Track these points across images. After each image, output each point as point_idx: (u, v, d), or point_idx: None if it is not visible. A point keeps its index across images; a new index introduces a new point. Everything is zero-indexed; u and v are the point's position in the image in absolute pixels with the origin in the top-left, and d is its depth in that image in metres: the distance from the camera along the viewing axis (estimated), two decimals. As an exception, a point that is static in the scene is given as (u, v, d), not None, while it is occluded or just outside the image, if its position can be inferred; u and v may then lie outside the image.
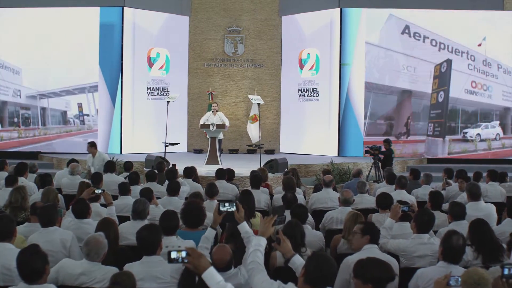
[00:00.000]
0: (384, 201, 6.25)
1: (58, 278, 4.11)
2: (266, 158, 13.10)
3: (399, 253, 4.89)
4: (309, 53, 16.44)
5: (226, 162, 12.70)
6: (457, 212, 5.57)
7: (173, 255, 3.11)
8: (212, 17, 17.12)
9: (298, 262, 3.87)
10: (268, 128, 17.12)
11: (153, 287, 3.99)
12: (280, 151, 17.00)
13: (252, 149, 15.85)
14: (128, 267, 4.06)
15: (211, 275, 3.12)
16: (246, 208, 5.73)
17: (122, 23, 15.51)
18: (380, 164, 12.15)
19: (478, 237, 4.68)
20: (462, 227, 5.12)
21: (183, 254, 3.11)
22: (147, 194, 6.36)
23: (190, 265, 3.14)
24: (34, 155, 15.19)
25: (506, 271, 3.20)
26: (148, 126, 15.60)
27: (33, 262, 3.52)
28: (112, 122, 15.57)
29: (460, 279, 3.38)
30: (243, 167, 11.83)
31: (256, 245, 3.76)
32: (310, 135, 16.31)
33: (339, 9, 15.60)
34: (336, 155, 15.46)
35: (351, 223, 5.34)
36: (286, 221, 4.90)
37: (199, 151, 16.47)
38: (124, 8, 15.50)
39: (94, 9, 15.43)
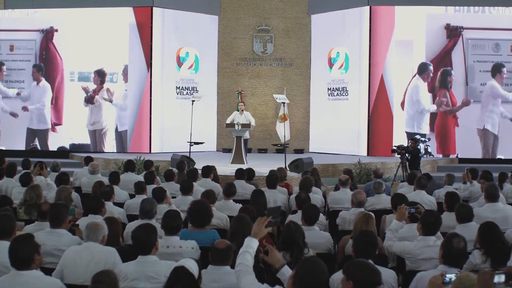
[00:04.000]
0: (398, 202, 6.08)
1: (63, 272, 4.23)
2: (294, 157, 13.00)
3: (404, 256, 4.78)
4: (338, 52, 16.22)
5: (252, 162, 12.61)
6: (463, 214, 5.40)
7: None
8: (241, 16, 17.11)
9: (287, 273, 3.66)
10: (298, 128, 17.01)
11: (147, 287, 3.98)
12: (310, 151, 16.84)
13: (281, 149, 15.77)
14: (123, 266, 4.08)
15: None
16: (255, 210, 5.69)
17: (151, 22, 15.60)
18: (407, 163, 11.94)
19: (488, 240, 4.52)
20: (470, 229, 4.97)
21: None
22: (159, 194, 6.38)
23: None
24: (65, 154, 15.42)
25: (496, 279, 3.03)
26: (177, 125, 15.60)
27: (21, 250, 3.64)
28: (140, 121, 15.68)
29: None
30: (269, 166, 11.70)
31: (247, 247, 3.66)
32: (339, 134, 16.08)
33: (368, 7, 15.36)
34: (366, 154, 15.24)
35: (362, 223, 5.25)
36: (279, 223, 4.66)
37: (227, 151, 16.43)
38: (153, 8, 15.59)
39: (125, 9, 15.57)
